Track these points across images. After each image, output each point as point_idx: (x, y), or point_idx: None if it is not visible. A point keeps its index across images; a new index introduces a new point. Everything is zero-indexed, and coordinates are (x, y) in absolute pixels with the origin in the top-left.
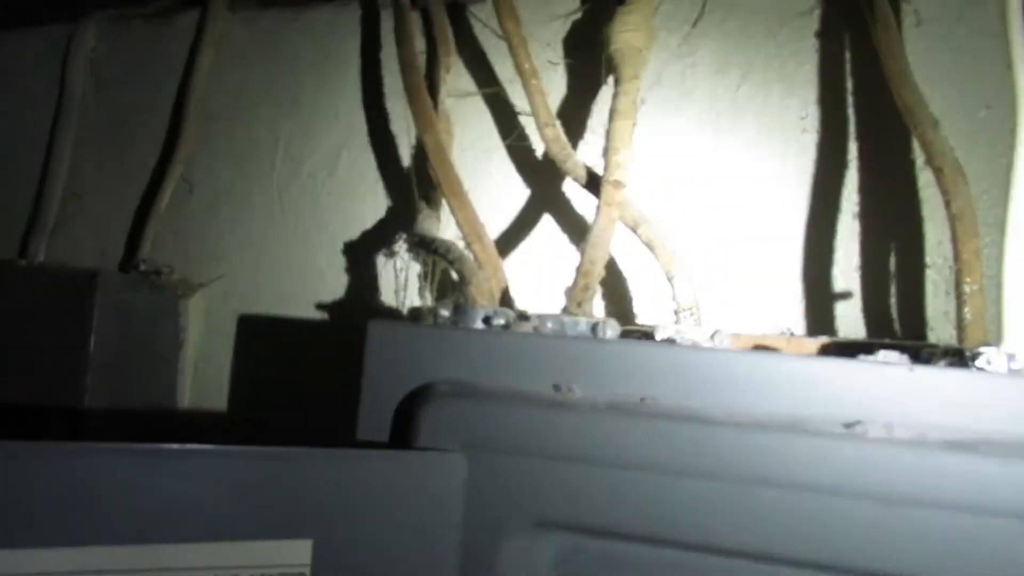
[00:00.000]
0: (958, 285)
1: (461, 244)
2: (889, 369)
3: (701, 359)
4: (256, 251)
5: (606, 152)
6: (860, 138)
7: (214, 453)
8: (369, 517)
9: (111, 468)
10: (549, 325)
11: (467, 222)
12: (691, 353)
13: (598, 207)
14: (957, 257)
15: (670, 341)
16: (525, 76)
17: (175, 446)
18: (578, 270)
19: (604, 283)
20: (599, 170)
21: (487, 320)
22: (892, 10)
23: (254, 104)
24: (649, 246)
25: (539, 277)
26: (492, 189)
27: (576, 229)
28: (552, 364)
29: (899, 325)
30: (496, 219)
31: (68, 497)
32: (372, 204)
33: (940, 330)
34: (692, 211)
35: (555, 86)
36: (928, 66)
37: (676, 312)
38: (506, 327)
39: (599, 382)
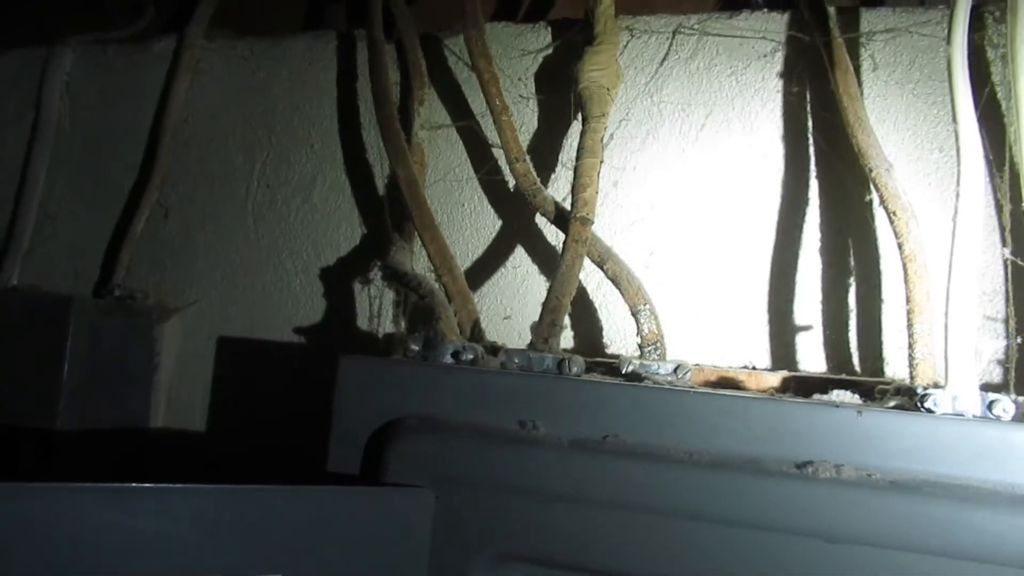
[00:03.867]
0: (910, 325)
1: (432, 276)
2: (839, 412)
3: (662, 399)
4: (231, 276)
5: (573, 189)
6: (820, 177)
7: (184, 492)
8: (338, 552)
9: (80, 507)
10: (516, 361)
11: (438, 254)
12: (652, 393)
13: (565, 243)
14: (909, 298)
15: (634, 375)
16: (496, 111)
17: (144, 485)
18: (545, 306)
19: (572, 316)
20: (568, 205)
21: (456, 355)
22: (849, 54)
23: (230, 131)
24: (615, 281)
25: (510, 306)
26: (464, 220)
27: (546, 259)
28: (517, 401)
29: (858, 359)
30: (468, 250)
31: (36, 538)
32: (346, 231)
33: (896, 364)
34: (659, 244)
35: (526, 120)
36: (884, 109)
37: (641, 346)
38: (474, 362)
39: (563, 419)
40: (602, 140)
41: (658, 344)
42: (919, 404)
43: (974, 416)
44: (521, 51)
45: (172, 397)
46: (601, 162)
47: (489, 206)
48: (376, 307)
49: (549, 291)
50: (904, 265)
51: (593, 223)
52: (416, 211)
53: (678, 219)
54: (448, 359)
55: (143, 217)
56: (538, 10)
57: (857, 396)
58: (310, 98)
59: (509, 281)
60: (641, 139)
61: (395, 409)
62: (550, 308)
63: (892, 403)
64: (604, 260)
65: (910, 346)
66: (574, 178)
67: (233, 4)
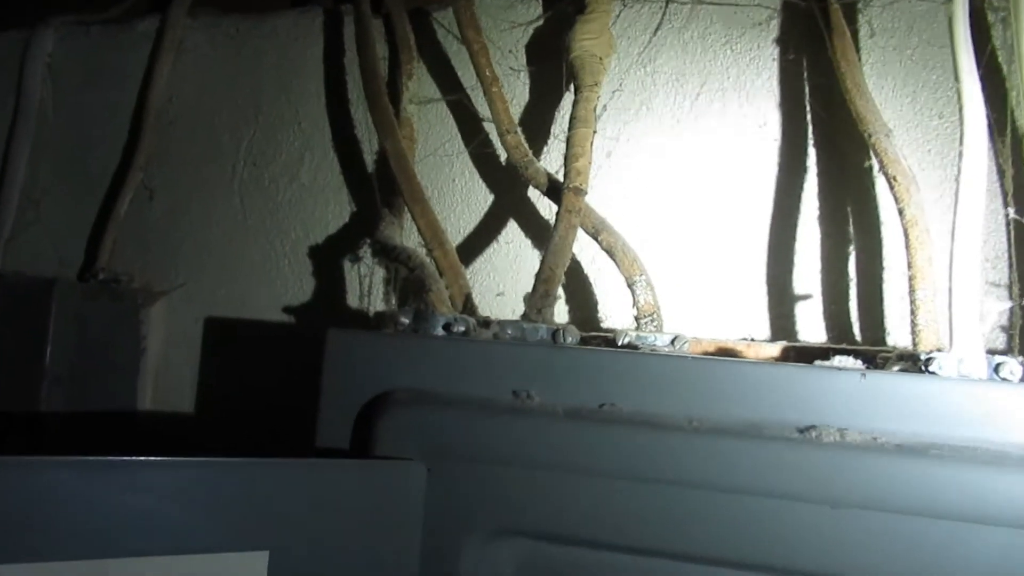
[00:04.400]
0: (912, 291)
1: (423, 251)
2: (842, 375)
3: (659, 365)
4: (218, 258)
5: (566, 159)
6: (818, 145)
7: (168, 464)
8: (327, 527)
9: (64, 481)
10: (509, 332)
11: (429, 229)
12: (649, 360)
13: (558, 214)
14: (910, 264)
15: (630, 347)
16: (486, 83)
17: (129, 458)
18: (538, 277)
19: (567, 289)
20: (561, 176)
21: (447, 327)
22: (847, 21)
23: (215, 110)
24: (610, 252)
25: (503, 282)
26: (455, 195)
27: (539, 234)
28: (510, 371)
29: (859, 329)
30: (460, 224)
31: (20, 512)
32: (335, 209)
33: (898, 334)
34: (654, 217)
35: (517, 93)
36: (882, 76)
37: (637, 318)
38: (466, 334)
39: (557, 389)
40: (595, 110)
41: (655, 315)
42: (924, 368)
43: (980, 379)
44: (511, 23)
45: (159, 381)
46: (594, 132)
47: (480, 181)
48: (367, 285)
49: (542, 261)
50: (905, 230)
51: (587, 193)
52: (405, 185)
53: (674, 190)
54: (439, 331)
55: (127, 199)
56: None
57: (860, 362)
58: (297, 76)
59: (502, 257)
60: (635, 110)
61: (385, 383)
62: (543, 279)
63: (896, 368)
64: (599, 231)
65: (912, 312)
66: (567, 148)
67: None
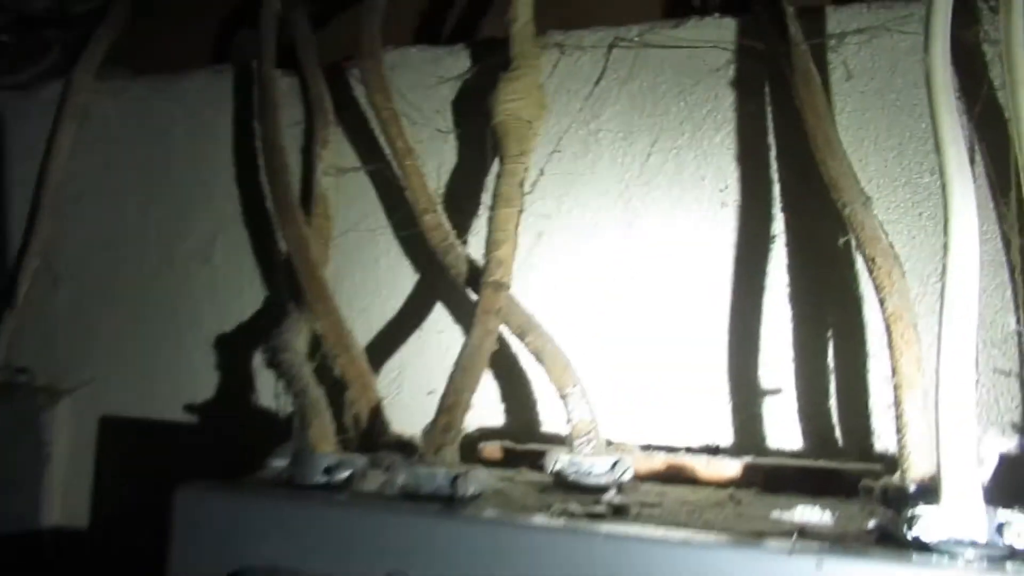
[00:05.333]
0: (897, 403)
1: (313, 366)
2: (788, 562)
3: (585, 549)
4: (128, 350)
5: (487, 247)
6: (787, 211)
7: None
8: None
9: None
10: (402, 479)
11: (332, 331)
12: (573, 540)
13: (474, 316)
14: (894, 369)
15: (561, 477)
16: (399, 155)
17: None
18: (441, 404)
19: (501, 386)
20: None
21: (329, 470)
22: (816, 63)
23: (123, 184)
24: (538, 357)
25: (433, 378)
26: (379, 276)
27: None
28: (387, 548)
29: (840, 431)
30: (384, 310)
31: None
32: (250, 296)
33: (887, 437)
34: (597, 303)
35: (445, 158)
36: (862, 126)
37: (570, 438)
38: (349, 481)
39: (444, 568)
40: (522, 184)
41: (591, 434)
42: (906, 528)
43: (978, 544)
44: (439, 78)
45: (67, 493)
46: (520, 211)
47: (408, 259)
48: (282, 384)
49: (447, 383)
50: (887, 325)
51: (509, 287)
52: (306, 280)
53: (621, 269)
54: (319, 477)
55: (25, 287)
56: (464, 30)
57: (828, 512)
58: (209, 144)
59: (433, 348)
60: (576, 175)
61: (243, 556)
62: (446, 407)
63: (872, 523)
64: (525, 332)
65: (898, 430)
66: (488, 232)
67: (134, 39)
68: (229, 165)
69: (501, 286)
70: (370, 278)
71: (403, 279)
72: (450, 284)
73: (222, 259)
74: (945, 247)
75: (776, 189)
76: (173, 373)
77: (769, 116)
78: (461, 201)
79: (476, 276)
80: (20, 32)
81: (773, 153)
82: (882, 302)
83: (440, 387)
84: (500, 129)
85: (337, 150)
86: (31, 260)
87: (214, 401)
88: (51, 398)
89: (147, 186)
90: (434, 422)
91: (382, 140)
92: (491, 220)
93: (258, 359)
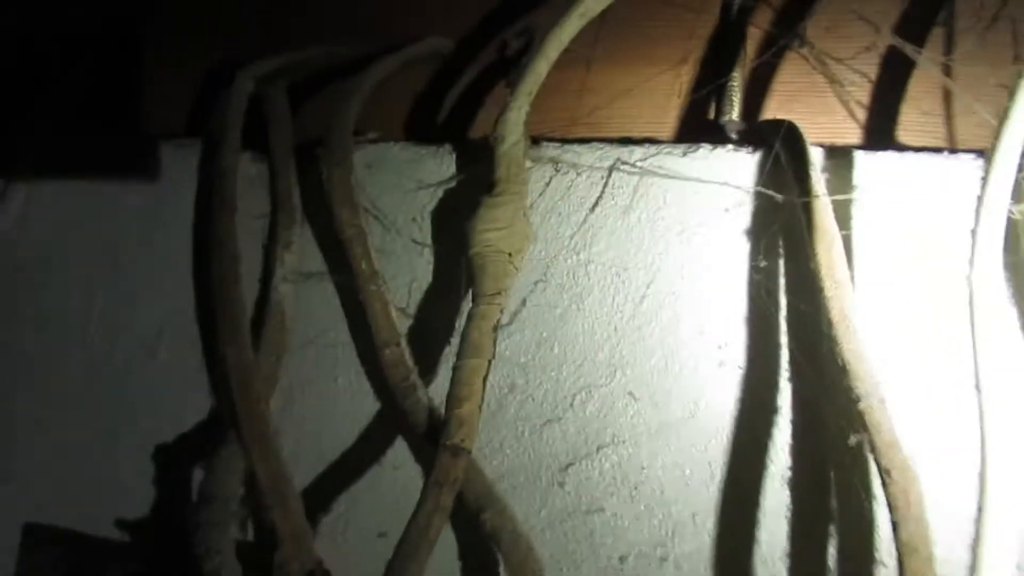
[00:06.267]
0: None
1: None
2: None
3: None
4: (55, 453)
5: (448, 402)
6: (794, 379)
7: None
8: None
9: None
10: None
11: (268, 478)
12: None
13: (425, 485)
14: None
15: None
16: (363, 279)
17: None
18: None
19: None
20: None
21: None
22: (838, 218)
23: (68, 255)
24: (494, 537)
25: (385, 519)
26: (336, 397)
27: None
28: None
29: None
30: (338, 437)
31: None
32: (194, 401)
33: None
34: (571, 473)
35: (419, 275)
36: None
37: None
38: None
39: None
40: (495, 329)
41: None
42: None
43: None
44: (418, 182)
45: None
46: (490, 361)
47: (369, 383)
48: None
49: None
50: (900, 558)
51: (470, 452)
52: (245, 416)
53: (603, 430)
54: None
55: None
56: (460, 122)
57: None
58: (166, 221)
59: (387, 484)
60: (561, 310)
61: None
62: None
63: None
64: (483, 506)
65: None
66: (451, 385)
67: (95, 96)
68: (182, 252)
69: (460, 451)
70: (326, 399)
71: (362, 403)
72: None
73: (168, 356)
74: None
75: (783, 356)
76: (103, 479)
77: (781, 272)
78: (432, 328)
79: (436, 427)
80: None
81: (782, 315)
82: (895, 526)
83: (393, 529)
84: (475, 261)
85: (301, 251)
86: None
87: (146, 519)
88: None
89: (92, 262)
90: None
91: (376, 231)
92: (456, 371)
93: (197, 477)
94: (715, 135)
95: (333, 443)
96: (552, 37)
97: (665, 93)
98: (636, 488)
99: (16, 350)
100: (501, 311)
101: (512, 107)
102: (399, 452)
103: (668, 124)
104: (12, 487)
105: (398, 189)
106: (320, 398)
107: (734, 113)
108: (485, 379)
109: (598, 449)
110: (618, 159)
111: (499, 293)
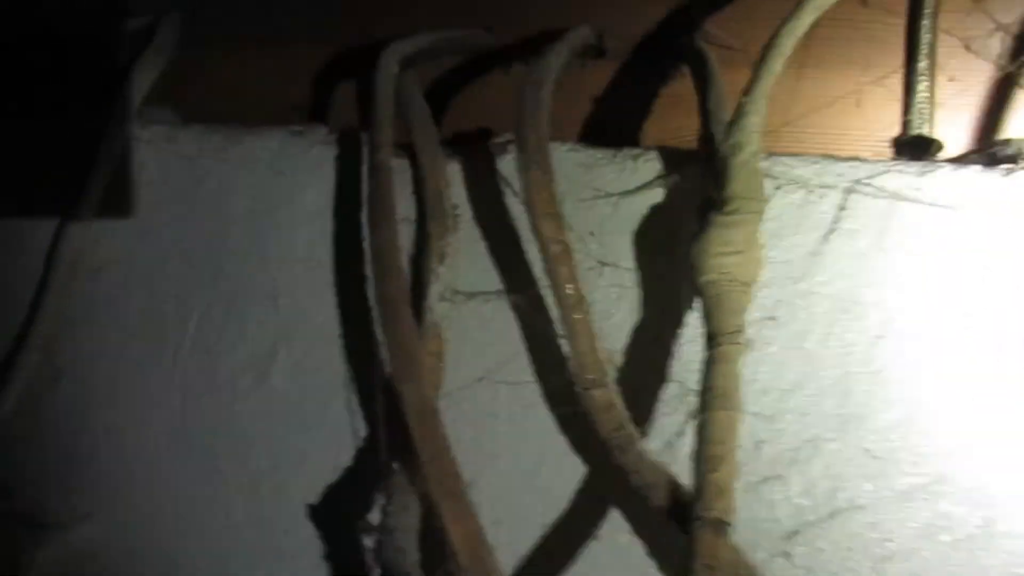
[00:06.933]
0: None
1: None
2: None
3: None
4: (141, 485)
5: (695, 472)
6: None
7: None
8: None
9: None
10: None
11: (466, 544)
12: None
13: (689, 568)
14: None
15: None
16: (567, 305)
17: None
18: None
19: None
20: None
21: None
22: None
23: (158, 263)
24: None
25: None
26: (496, 439)
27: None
28: None
29: None
30: (521, 500)
31: None
32: (318, 435)
33: None
34: None
35: (598, 295)
36: None
37: None
38: None
39: None
40: (740, 369)
41: None
42: None
43: None
44: (593, 191)
45: None
46: (742, 413)
47: (564, 435)
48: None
49: None
50: None
51: (731, 526)
52: (432, 467)
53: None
54: None
55: (16, 387)
56: (632, 130)
57: None
58: (279, 225)
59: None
60: (777, 348)
61: None
62: None
63: None
64: None
65: None
66: (698, 444)
67: (181, 77)
68: (300, 257)
69: (723, 527)
70: (485, 439)
71: (555, 456)
72: (610, 480)
73: (283, 380)
74: None
75: None
76: (204, 528)
77: None
78: (639, 371)
79: (677, 505)
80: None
81: None
82: None
83: None
84: (709, 291)
85: (457, 266)
86: (30, 354)
87: None
88: (32, 536)
89: (188, 271)
90: None
91: (546, 276)
92: (704, 426)
93: (334, 527)
94: (927, 151)
95: (513, 503)
96: (786, 31)
97: (878, 103)
98: (881, 563)
99: (91, 371)
100: (744, 351)
101: (749, 111)
102: (610, 520)
103: (882, 138)
104: (86, 524)
105: (569, 198)
106: (491, 451)
107: (926, 127)
108: (736, 430)
109: (831, 515)
110: (855, 180)
111: (739, 330)
